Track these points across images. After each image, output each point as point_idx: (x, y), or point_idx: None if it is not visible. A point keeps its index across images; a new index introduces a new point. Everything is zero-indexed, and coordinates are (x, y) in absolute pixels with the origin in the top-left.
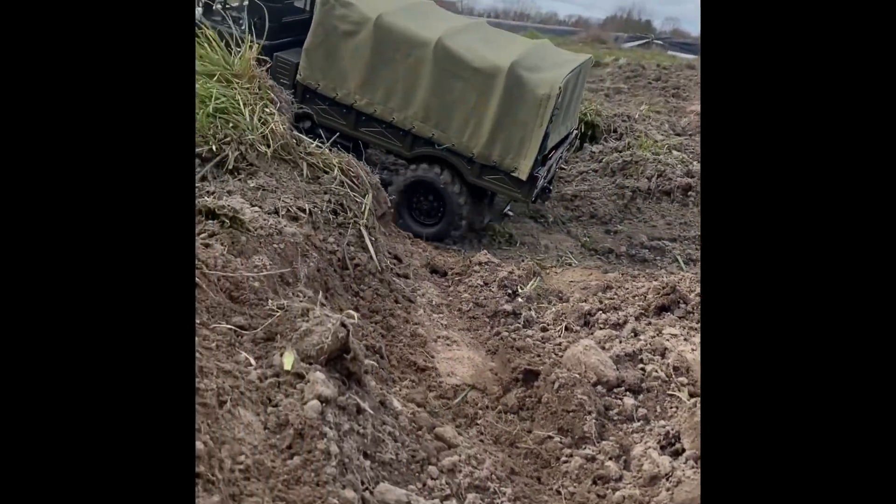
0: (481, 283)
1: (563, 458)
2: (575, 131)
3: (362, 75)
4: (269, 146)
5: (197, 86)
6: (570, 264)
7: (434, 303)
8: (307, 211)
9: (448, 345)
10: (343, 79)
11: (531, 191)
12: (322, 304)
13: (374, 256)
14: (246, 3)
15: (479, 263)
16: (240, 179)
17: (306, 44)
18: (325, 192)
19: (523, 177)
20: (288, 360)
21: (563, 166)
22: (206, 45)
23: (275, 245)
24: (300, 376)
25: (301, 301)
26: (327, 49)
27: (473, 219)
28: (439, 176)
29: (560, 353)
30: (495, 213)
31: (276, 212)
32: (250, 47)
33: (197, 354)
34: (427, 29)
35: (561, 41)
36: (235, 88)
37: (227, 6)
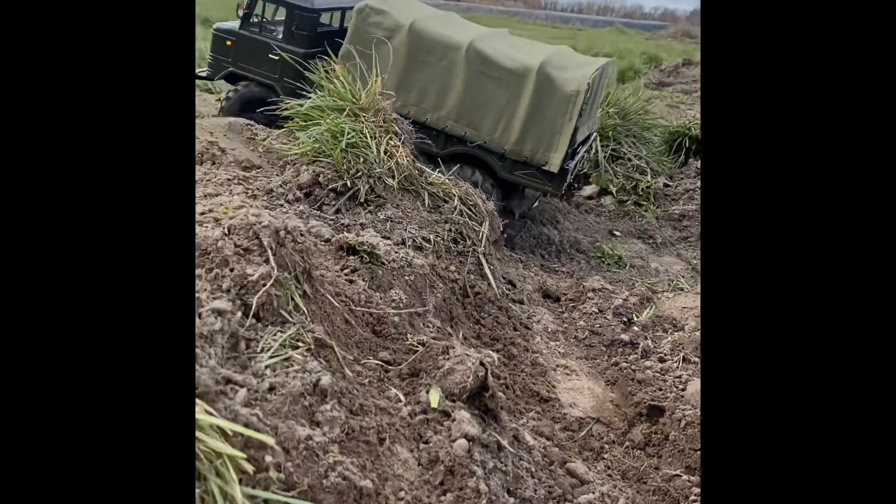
0: (596, 311)
1: (692, 498)
2: (595, 133)
3: (396, 78)
4: (394, 178)
5: (328, 120)
6: (681, 289)
7: (550, 329)
8: (431, 241)
9: (567, 374)
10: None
11: (561, 183)
12: (448, 336)
13: (493, 284)
14: (279, 15)
15: (593, 290)
16: (370, 211)
17: (342, 50)
18: (446, 221)
19: (555, 169)
20: (434, 398)
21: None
22: (335, 81)
23: (406, 277)
24: (446, 414)
25: (431, 332)
26: (362, 54)
27: (504, 213)
28: (472, 175)
29: (681, 387)
30: (526, 204)
31: (404, 242)
32: (373, 84)
33: (354, 391)
34: (458, 34)
35: (649, 36)
36: (363, 122)
37: (264, 18)
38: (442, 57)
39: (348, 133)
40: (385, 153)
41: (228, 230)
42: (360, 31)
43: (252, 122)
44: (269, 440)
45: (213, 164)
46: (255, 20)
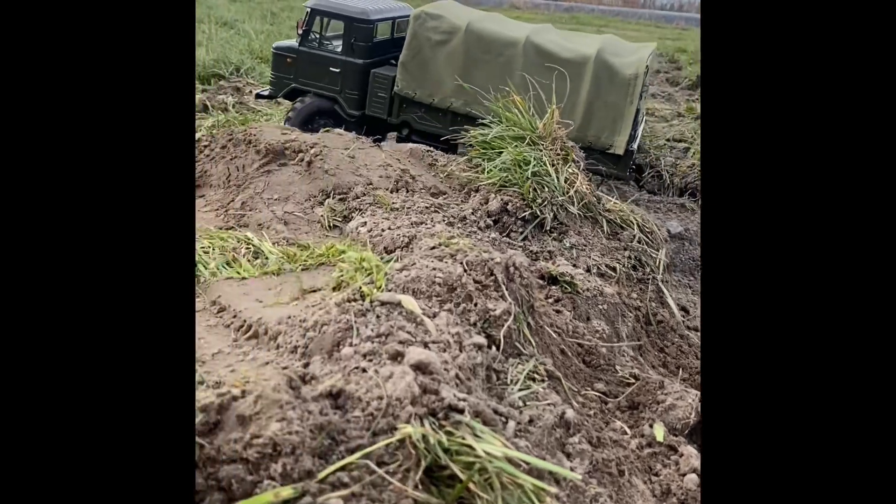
0: None
1: None
2: (644, 115)
3: (456, 78)
4: (575, 205)
5: (511, 149)
6: None
7: None
8: (616, 269)
9: None
10: (438, 84)
11: (627, 165)
12: (640, 365)
13: (675, 312)
14: (333, 30)
15: None
16: (555, 239)
17: (402, 57)
18: (625, 248)
19: (620, 152)
20: (659, 433)
21: None
22: (514, 110)
23: (600, 306)
24: (672, 448)
25: (627, 361)
26: (422, 59)
27: None
28: None
29: None
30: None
31: (589, 270)
32: (552, 114)
33: (586, 422)
34: (512, 31)
35: None
36: (541, 150)
37: (323, 36)
38: (500, 53)
39: (530, 162)
40: (566, 181)
41: (467, 266)
42: (419, 37)
43: (431, 149)
44: (576, 475)
45: (408, 191)
46: (314, 36)
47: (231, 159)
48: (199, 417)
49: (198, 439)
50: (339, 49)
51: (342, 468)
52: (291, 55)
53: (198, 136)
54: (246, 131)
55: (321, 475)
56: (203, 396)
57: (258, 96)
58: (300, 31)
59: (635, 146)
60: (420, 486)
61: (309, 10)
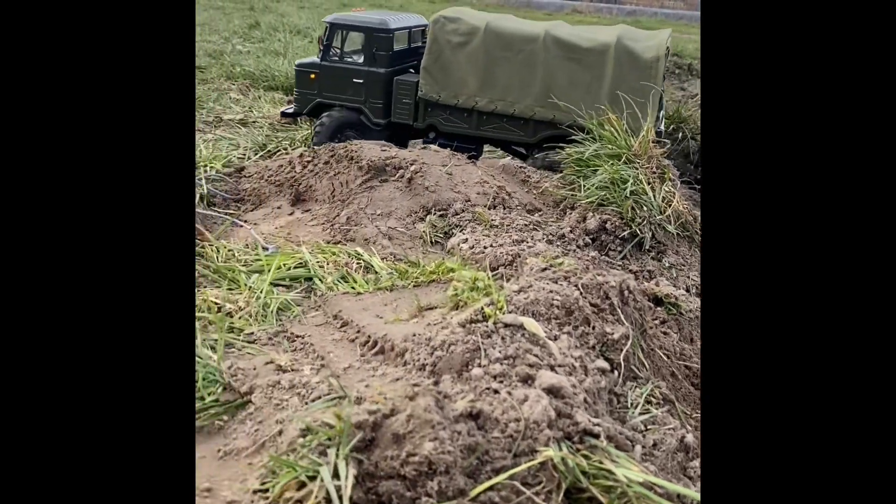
0: None
1: None
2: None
3: (480, 78)
4: (672, 224)
5: (607, 167)
6: None
7: None
8: None
9: None
10: (462, 85)
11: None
12: None
13: None
14: (351, 44)
15: None
16: (654, 258)
17: (424, 62)
18: None
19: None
20: None
21: None
22: (609, 128)
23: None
24: None
25: None
26: (443, 62)
27: None
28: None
29: None
30: None
31: (689, 290)
32: (648, 132)
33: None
34: (529, 27)
35: None
36: (637, 168)
37: (343, 50)
38: (520, 50)
39: (630, 181)
40: (663, 199)
41: (583, 289)
42: (439, 41)
43: (524, 165)
44: (696, 495)
45: (505, 207)
46: (334, 51)
47: (334, 175)
48: (356, 435)
49: (355, 454)
50: (361, 60)
51: (490, 488)
52: (314, 70)
53: (299, 150)
54: (347, 148)
55: (472, 493)
56: (355, 413)
57: (283, 115)
58: (321, 47)
59: (662, 127)
60: None
61: (328, 24)
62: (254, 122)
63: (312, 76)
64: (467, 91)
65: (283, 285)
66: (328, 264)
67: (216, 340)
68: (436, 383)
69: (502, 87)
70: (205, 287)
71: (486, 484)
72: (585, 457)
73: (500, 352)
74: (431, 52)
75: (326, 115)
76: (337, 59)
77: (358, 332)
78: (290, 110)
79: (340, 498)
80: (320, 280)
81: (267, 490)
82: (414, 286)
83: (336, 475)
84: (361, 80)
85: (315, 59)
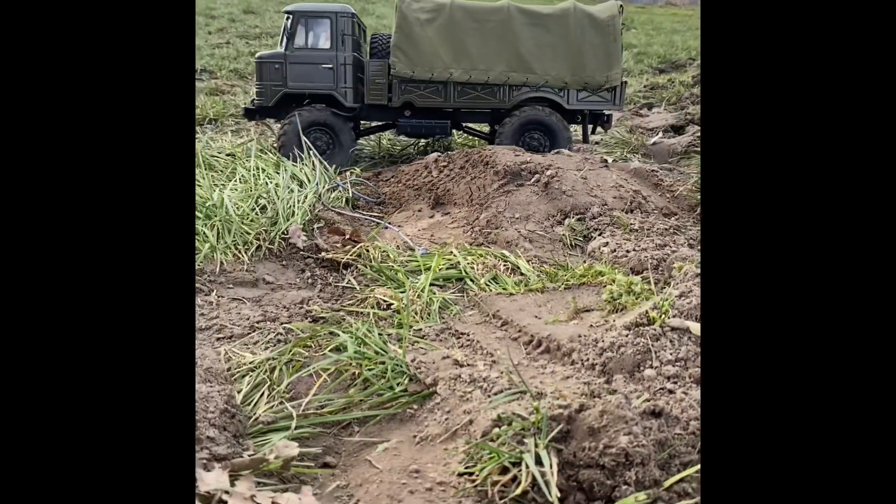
0: None
1: None
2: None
3: (452, 50)
4: None
5: None
6: None
7: None
8: None
9: None
10: (435, 59)
11: (622, 97)
12: None
13: None
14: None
15: None
16: None
17: (394, 40)
18: None
19: (617, 83)
20: None
21: None
22: None
23: None
24: None
25: None
26: (413, 39)
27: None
28: (543, 111)
29: None
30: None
31: None
32: None
33: None
34: (491, 2)
35: None
36: None
37: (308, 37)
38: (487, 20)
39: None
40: None
41: None
42: (408, 19)
43: (656, 168)
44: None
45: (642, 211)
46: (300, 39)
47: (471, 179)
48: (554, 426)
49: (554, 444)
50: (328, 45)
51: (682, 479)
52: (279, 61)
53: (434, 155)
54: (481, 153)
55: (666, 483)
56: (548, 406)
57: (246, 111)
58: (285, 36)
59: (624, 78)
60: None
61: (291, 13)
62: None
63: (277, 66)
64: (441, 64)
65: (437, 285)
66: (478, 265)
67: (391, 334)
68: (608, 382)
69: (474, 57)
70: (366, 286)
71: (679, 475)
72: None
73: (671, 354)
74: (402, 30)
75: (288, 122)
76: (304, 46)
77: (520, 331)
78: (253, 106)
79: (547, 483)
80: (472, 280)
81: (472, 474)
82: (565, 288)
83: (539, 462)
84: (331, 66)
85: (279, 50)
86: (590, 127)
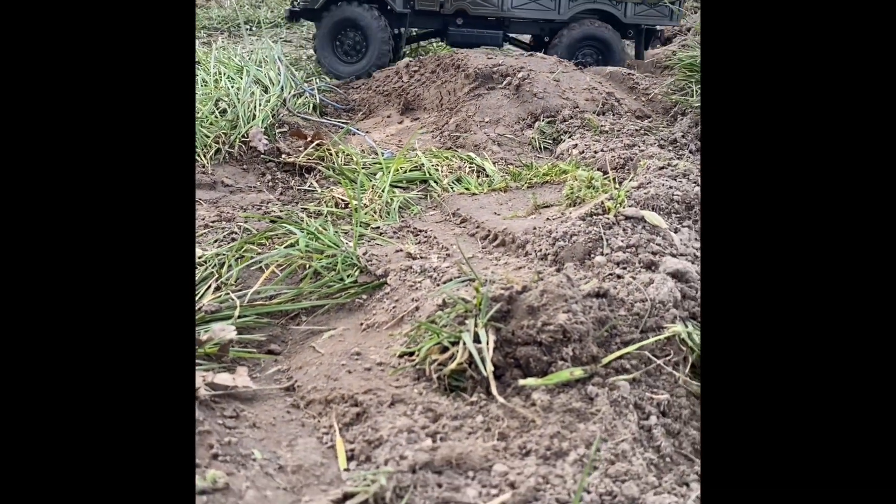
0: None
1: None
2: None
3: None
4: None
5: None
6: None
7: None
8: None
9: None
10: None
11: (679, 13)
12: None
13: None
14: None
15: None
16: None
17: None
18: None
19: None
20: None
21: None
22: None
23: None
24: None
25: None
26: None
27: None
28: (602, 25)
29: None
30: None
31: None
32: None
33: None
34: None
35: None
36: None
37: None
38: None
39: None
40: None
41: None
42: None
43: (632, 72)
44: None
45: (614, 114)
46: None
47: (441, 84)
48: (493, 306)
49: (493, 323)
50: None
51: (621, 357)
52: None
53: (406, 61)
54: (452, 56)
55: (605, 360)
56: (491, 289)
57: (291, 14)
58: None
59: None
60: (689, 379)
61: None
62: None
63: None
64: None
65: (400, 187)
66: (442, 167)
67: (347, 232)
68: (558, 270)
69: None
70: (327, 188)
71: (618, 353)
72: None
73: (622, 241)
74: None
75: (327, 13)
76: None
77: (478, 227)
78: (298, 7)
79: (483, 360)
80: (436, 182)
81: (412, 353)
82: (528, 187)
83: (477, 340)
84: None
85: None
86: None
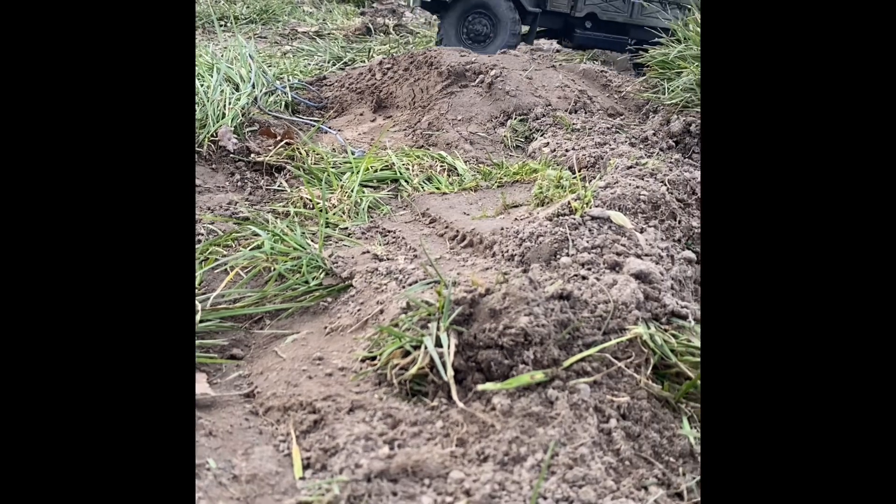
0: None
1: None
2: None
3: None
4: None
5: (692, 68)
6: None
7: None
8: None
9: None
10: None
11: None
12: None
13: None
14: None
15: None
16: None
17: None
18: None
19: None
20: None
21: None
22: (694, 28)
23: None
24: None
25: None
26: None
27: None
28: None
29: None
30: None
31: None
32: None
33: None
34: None
35: None
36: None
37: None
38: None
39: None
40: None
41: (669, 185)
42: None
43: (605, 69)
44: None
45: (587, 112)
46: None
47: (414, 81)
48: (455, 309)
49: (455, 327)
50: None
51: (582, 359)
52: None
53: (379, 58)
54: (426, 54)
55: (566, 363)
56: (454, 292)
57: (422, 3)
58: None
59: None
60: (650, 381)
61: None
62: (328, 34)
63: None
64: None
65: (371, 186)
66: (413, 167)
67: (314, 233)
68: (524, 271)
69: None
70: (297, 187)
71: (579, 356)
72: (674, 336)
73: (587, 242)
74: None
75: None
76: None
77: (446, 227)
78: None
79: (444, 364)
80: (406, 181)
81: (374, 358)
82: (498, 186)
83: (438, 344)
84: None
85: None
86: None
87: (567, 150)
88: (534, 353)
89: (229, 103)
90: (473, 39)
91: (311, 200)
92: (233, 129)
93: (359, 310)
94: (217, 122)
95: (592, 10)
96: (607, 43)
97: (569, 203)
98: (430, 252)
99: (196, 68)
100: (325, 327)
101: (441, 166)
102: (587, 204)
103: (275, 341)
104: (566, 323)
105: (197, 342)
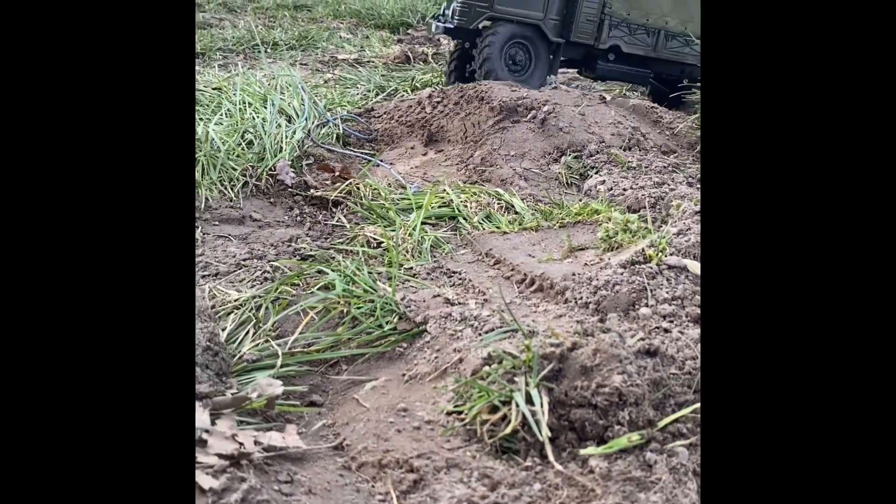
0: None
1: None
2: None
3: (672, 2)
4: None
5: None
6: None
7: None
8: None
9: None
10: (652, 4)
11: None
12: None
13: None
14: None
15: None
16: None
17: None
18: None
19: None
20: None
21: None
22: None
23: None
24: None
25: None
26: None
27: None
28: None
29: None
30: None
31: None
32: None
33: None
34: None
35: None
36: None
37: None
38: None
39: None
40: None
41: None
42: None
43: (655, 105)
44: None
45: (640, 149)
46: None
47: (465, 116)
48: (545, 365)
49: (545, 383)
50: None
51: (677, 420)
52: None
53: (428, 91)
54: (476, 88)
55: (661, 424)
56: (540, 345)
57: (445, 31)
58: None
59: None
60: None
61: None
62: (368, 61)
63: None
64: (658, 11)
65: (429, 223)
66: (471, 204)
67: (380, 273)
68: (601, 321)
69: (692, 7)
70: (356, 224)
71: (673, 416)
72: None
73: (667, 293)
74: None
75: (491, 34)
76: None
77: (513, 269)
78: (452, 24)
79: (537, 422)
80: (465, 219)
81: (461, 412)
82: (560, 227)
83: (529, 401)
84: None
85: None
86: None
87: (625, 189)
88: (629, 414)
89: (286, 137)
90: (521, 66)
91: (374, 238)
92: (290, 162)
93: (436, 357)
94: (274, 155)
95: (616, 43)
96: (628, 75)
97: (643, 250)
98: (500, 296)
99: (247, 97)
100: (403, 374)
101: (498, 204)
102: (662, 252)
103: (352, 388)
104: (658, 382)
105: (279, 390)
